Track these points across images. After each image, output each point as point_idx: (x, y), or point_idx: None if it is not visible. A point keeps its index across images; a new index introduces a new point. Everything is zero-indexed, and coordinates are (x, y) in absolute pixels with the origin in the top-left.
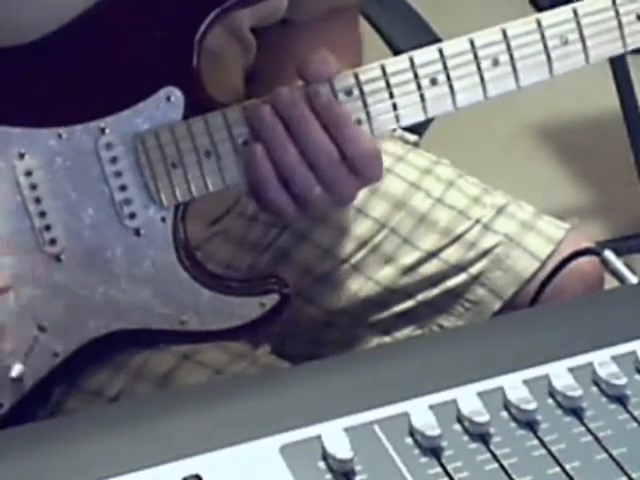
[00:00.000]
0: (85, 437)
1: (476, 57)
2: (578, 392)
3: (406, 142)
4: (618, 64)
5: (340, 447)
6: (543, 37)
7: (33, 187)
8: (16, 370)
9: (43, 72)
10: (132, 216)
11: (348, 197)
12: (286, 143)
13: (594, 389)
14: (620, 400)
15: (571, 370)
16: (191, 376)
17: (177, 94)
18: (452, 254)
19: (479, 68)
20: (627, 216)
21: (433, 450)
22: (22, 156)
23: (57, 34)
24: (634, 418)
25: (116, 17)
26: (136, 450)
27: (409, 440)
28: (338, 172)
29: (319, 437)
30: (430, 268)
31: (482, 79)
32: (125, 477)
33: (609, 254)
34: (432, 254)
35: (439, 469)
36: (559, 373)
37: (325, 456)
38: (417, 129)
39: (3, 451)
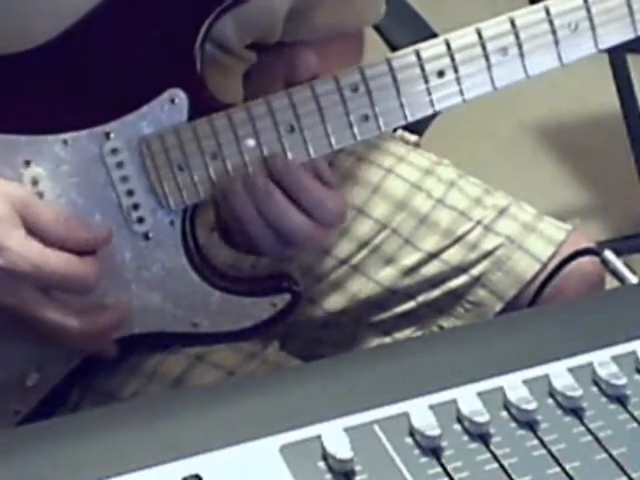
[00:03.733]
0: (85, 437)
1: (484, 47)
2: (578, 392)
3: (407, 142)
4: (618, 64)
5: (340, 447)
6: (552, 24)
7: (40, 195)
8: (32, 379)
9: (46, 78)
10: (140, 220)
11: (321, 244)
12: (261, 225)
13: (594, 389)
14: (620, 400)
15: (571, 370)
16: (204, 377)
17: (181, 96)
18: (453, 255)
19: (487, 58)
20: (627, 216)
21: (433, 450)
22: (28, 164)
23: (59, 40)
24: (634, 418)
25: (117, 21)
26: (136, 450)
27: (409, 440)
28: (312, 235)
29: (319, 437)
30: (431, 269)
31: (490, 69)
32: (125, 477)
33: (609, 254)
34: (433, 255)
35: (439, 469)
36: (559, 373)
37: (325, 456)
38: (417, 129)
39: (3, 451)
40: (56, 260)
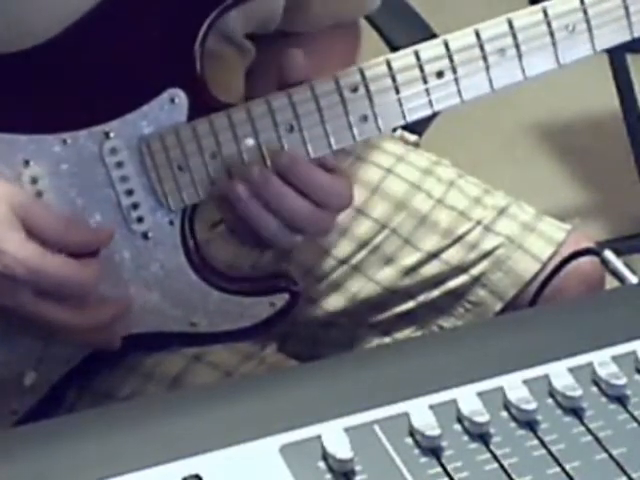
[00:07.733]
0: (85, 437)
1: (482, 48)
2: (578, 392)
3: (406, 142)
4: (618, 64)
5: (340, 447)
6: (549, 26)
7: (39, 194)
8: (29, 378)
9: (46, 77)
10: (140, 220)
11: (328, 230)
12: (263, 214)
13: (594, 389)
14: (620, 400)
15: (571, 370)
16: (201, 378)
17: (181, 96)
18: (453, 255)
19: (485, 59)
20: (627, 216)
21: (433, 450)
22: (27, 163)
23: (58, 39)
24: (634, 418)
25: (117, 20)
26: (136, 450)
27: (409, 440)
28: (316, 219)
29: (319, 437)
30: (431, 269)
31: (488, 70)
32: (125, 477)
33: (609, 254)
34: (433, 255)
35: (439, 469)
36: (559, 373)
37: (325, 456)
38: (417, 129)
39: (3, 451)
40: (54, 264)
